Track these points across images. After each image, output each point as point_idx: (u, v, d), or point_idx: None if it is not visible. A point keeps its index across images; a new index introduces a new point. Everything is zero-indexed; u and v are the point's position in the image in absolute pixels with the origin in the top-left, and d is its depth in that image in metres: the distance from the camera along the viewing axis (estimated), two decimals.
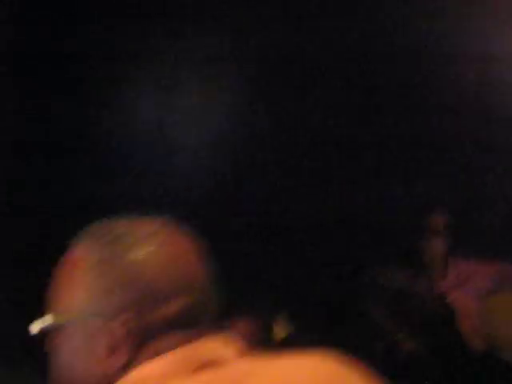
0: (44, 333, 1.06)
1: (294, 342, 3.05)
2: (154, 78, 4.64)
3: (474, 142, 4.45)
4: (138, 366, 1.00)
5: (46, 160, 4.50)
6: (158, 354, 1.00)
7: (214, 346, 1.03)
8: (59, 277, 1.07)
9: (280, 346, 2.99)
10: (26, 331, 1.07)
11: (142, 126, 4.64)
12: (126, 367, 1.00)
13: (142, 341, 1.00)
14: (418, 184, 4.44)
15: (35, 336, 1.06)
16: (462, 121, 4.44)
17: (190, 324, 1.02)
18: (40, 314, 1.07)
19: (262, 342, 2.92)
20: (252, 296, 3.58)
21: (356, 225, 4.46)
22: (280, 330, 3.11)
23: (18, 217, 4.36)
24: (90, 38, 4.52)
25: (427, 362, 3.68)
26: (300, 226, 4.53)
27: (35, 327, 1.06)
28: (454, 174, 4.43)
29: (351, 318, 3.99)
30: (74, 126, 4.52)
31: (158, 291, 1.01)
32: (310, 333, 3.29)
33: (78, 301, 1.03)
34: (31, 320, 1.07)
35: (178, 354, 1.00)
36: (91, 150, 4.54)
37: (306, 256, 4.52)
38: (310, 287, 4.34)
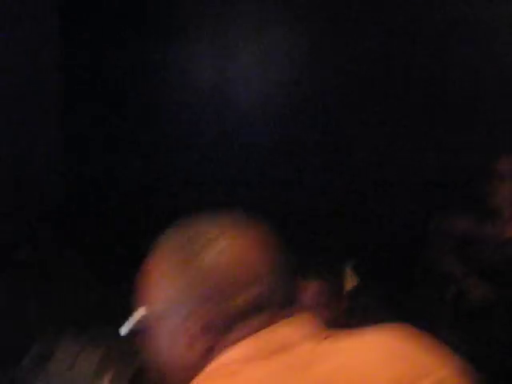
0: (135, 328, 1.20)
1: (364, 293, 3.10)
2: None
3: None
4: (218, 353, 1.11)
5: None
6: (234, 341, 1.11)
7: (286, 330, 1.13)
8: (144, 278, 1.19)
9: (349, 297, 3.04)
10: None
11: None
12: (208, 356, 1.12)
13: (220, 331, 1.11)
14: (484, 129, 4.41)
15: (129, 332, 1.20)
16: None
17: (262, 312, 1.12)
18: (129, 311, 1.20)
19: (334, 294, 2.97)
20: (321, 246, 3.62)
21: (422, 173, 4.47)
22: (349, 281, 3.14)
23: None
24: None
25: (496, 309, 3.70)
26: (367, 176, 4.55)
27: (127, 326, 1.20)
28: None
29: (419, 267, 4.02)
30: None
31: (230, 285, 1.12)
32: (379, 284, 3.33)
33: (159, 300, 1.16)
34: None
35: (253, 341, 1.11)
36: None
37: (372, 206, 4.55)
38: (378, 237, 4.38)
